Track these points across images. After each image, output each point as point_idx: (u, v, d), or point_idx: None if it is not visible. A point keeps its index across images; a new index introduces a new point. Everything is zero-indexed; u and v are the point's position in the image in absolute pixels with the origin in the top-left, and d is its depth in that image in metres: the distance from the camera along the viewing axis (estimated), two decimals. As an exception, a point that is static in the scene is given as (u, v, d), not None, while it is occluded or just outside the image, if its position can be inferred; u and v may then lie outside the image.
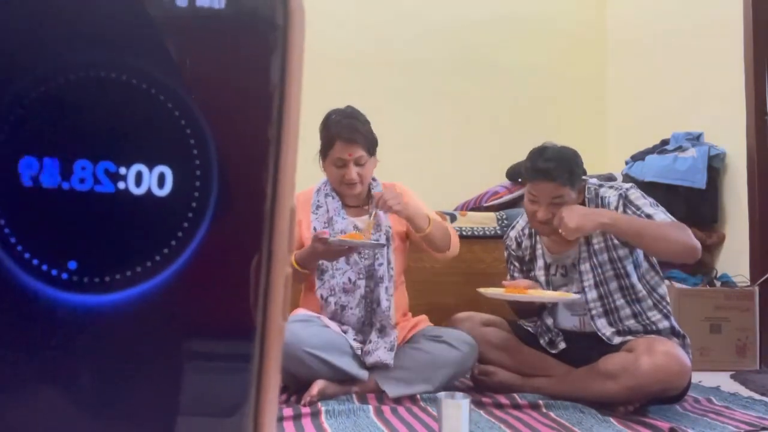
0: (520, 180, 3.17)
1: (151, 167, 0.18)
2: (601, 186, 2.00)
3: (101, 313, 0.18)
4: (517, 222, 2.21)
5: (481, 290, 1.94)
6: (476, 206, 3.17)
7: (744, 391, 2.11)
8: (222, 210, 0.18)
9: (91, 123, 0.18)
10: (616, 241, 1.91)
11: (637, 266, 1.93)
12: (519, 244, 2.14)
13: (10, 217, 0.18)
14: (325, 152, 1.97)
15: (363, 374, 1.88)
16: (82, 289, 0.18)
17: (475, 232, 2.77)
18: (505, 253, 2.21)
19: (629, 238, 1.84)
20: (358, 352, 1.90)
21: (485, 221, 2.84)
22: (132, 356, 0.18)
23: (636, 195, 1.91)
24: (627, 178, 3.03)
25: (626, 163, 3.16)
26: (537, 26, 3.88)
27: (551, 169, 1.85)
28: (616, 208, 1.89)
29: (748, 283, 2.68)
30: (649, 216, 1.83)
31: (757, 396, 2.04)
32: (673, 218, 1.85)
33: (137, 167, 0.18)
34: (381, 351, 1.88)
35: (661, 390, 1.72)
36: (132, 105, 0.18)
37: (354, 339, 1.93)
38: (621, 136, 3.75)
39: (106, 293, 0.18)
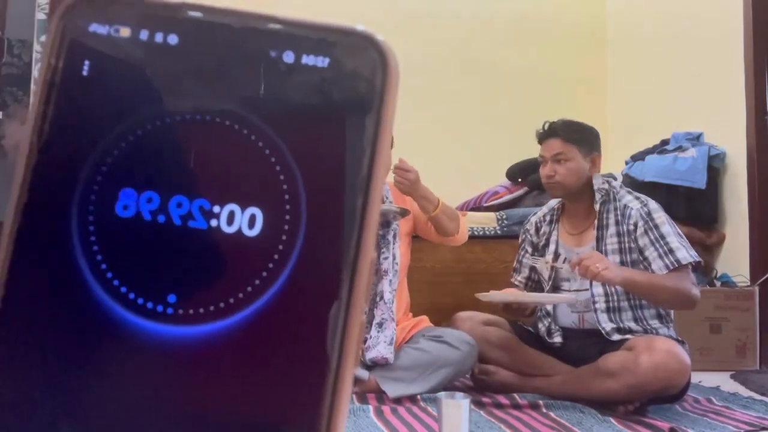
0: (520, 180, 3.18)
1: (243, 208, 0.19)
2: (629, 192, 2.01)
3: (187, 345, 0.19)
4: (540, 209, 2.23)
5: (478, 295, 1.94)
6: (476, 206, 3.17)
7: (744, 391, 2.11)
8: (307, 255, 0.19)
9: (190, 162, 0.19)
10: (631, 245, 1.92)
11: None
12: (538, 230, 2.16)
13: (106, 248, 0.19)
14: None
15: (363, 374, 1.88)
16: (172, 322, 0.19)
17: (475, 232, 2.77)
18: (521, 237, 2.23)
19: (640, 296, 1.89)
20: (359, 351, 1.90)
21: (485, 221, 2.84)
22: (207, 389, 0.18)
23: (661, 219, 1.90)
24: (627, 178, 3.03)
25: (626, 163, 3.16)
26: (537, 26, 3.88)
27: (557, 127, 2.00)
28: (635, 226, 1.90)
29: (748, 283, 2.68)
30: (671, 251, 1.84)
31: (757, 396, 2.04)
32: (693, 254, 1.86)
33: (230, 207, 0.19)
34: (381, 346, 1.88)
35: (661, 388, 1.72)
36: (230, 148, 0.19)
37: (354, 339, 1.93)
38: (621, 136, 3.75)
39: (190, 326, 0.19)
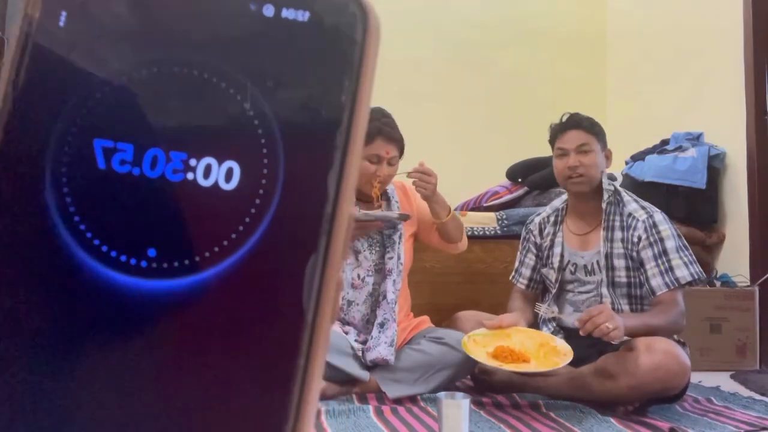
0: (520, 180, 3.18)
1: (220, 161, 0.19)
2: (634, 200, 1.99)
3: (164, 299, 0.18)
4: (544, 210, 2.22)
5: (469, 354, 1.79)
6: (476, 206, 3.17)
7: (744, 391, 2.10)
8: (284, 209, 0.19)
9: (167, 114, 0.19)
10: (633, 254, 1.91)
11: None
12: (541, 231, 2.15)
13: (80, 201, 0.19)
14: None
15: (364, 375, 1.88)
16: (149, 276, 0.18)
17: (475, 232, 2.76)
18: (523, 236, 2.22)
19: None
20: (359, 353, 1.90)
21: (485, 221, 2.84)
22: (186, 342, 0.18)
23: (667, 233, 1.89)
24: (627, 178, 3.03)
25: (626, 163, 3.16)
26: (537, 26, 3.88)
27: (579, 119, 1.98)
28: (639, 239, 1.90)
29: (748, 283, 2.68)
30: (671, 269, 1.84)
31: (757, 396, 2.04)
32: (694, 270, 1.85)
33: (207, 160, 0.19)
34: (382, 347, 1.88)
35: (661, 389, 1.72)
36: (208, 101, 0.19)
37: (355, 340, 1.93)
38: (621, 136, 3.75)
39: (167, 280, 0.18)
